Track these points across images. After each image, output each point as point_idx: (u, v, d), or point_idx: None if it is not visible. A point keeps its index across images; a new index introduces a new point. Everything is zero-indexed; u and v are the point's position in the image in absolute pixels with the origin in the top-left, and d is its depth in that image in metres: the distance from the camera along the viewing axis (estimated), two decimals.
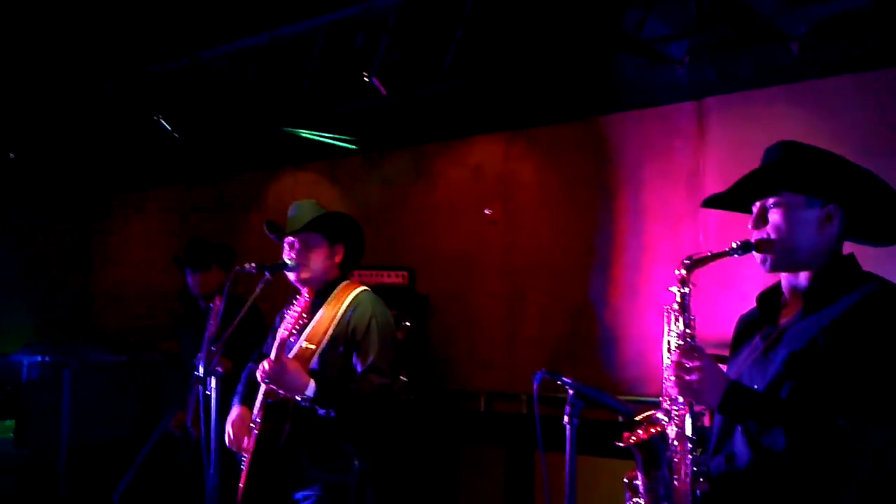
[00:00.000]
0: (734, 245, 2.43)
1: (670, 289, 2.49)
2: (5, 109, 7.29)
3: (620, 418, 2.61)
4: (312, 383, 3.40)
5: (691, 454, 2.36)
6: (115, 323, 9.12)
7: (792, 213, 2.40)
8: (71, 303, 9.40)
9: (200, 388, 3.22)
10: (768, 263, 2.44)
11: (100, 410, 6.92)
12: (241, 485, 3.54)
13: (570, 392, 2.61)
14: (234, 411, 3.76)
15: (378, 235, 5.88)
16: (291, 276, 3.70)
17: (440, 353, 6.38)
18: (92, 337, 8.97)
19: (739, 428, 2.40)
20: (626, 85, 5.69)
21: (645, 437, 2.47)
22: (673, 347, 2.45)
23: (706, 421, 4.24)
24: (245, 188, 8.17)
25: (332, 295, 3.69)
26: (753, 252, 2.44)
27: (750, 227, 2.48)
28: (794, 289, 2.48)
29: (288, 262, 3.69)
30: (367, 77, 5.50)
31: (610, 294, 5.86)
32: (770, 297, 2.56)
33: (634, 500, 2.54)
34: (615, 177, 5.93)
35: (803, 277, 2.45)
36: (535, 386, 2.67)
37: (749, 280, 5.24)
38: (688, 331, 2.45)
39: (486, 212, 6.45)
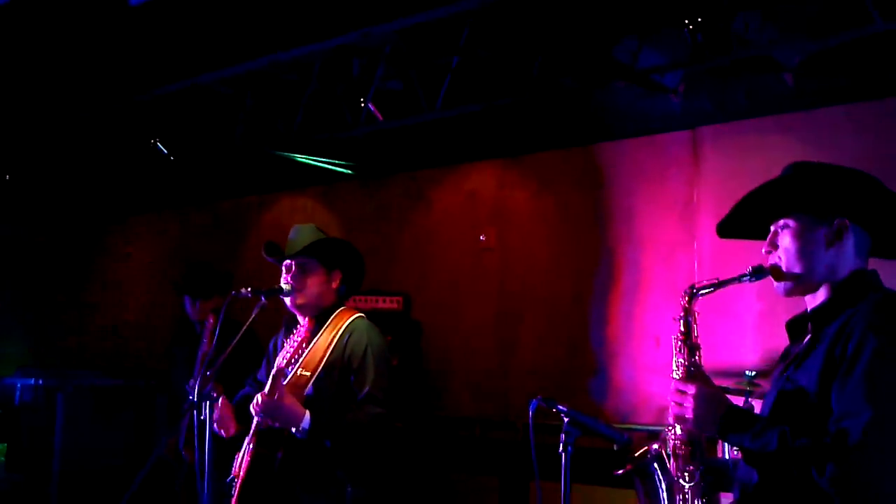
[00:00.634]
0: (749, 270, 2.41)
1: (682, 312, 2.48)
2: (3, 135, 7.30)
3: (615, 447, 2.59)
4: (307, 416, 3.38)
5: (692, 481, 2.36)
6: (110, 347, 9.10)
7: (799, 233, 2.36)
8: (66, 326, 9.38)
9: (194, 412, 3.21)
10: (782, 287, 2.41)
11: (93, 434, 6.88)
12: None
13: (566, 420, 2.58)
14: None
15: (373, 261, 5.89)
16: (287, 300, 3.69)
17: (434, 379, 6.37)
18: (86, 361, 8.94)
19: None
20: (620, 114, 5.73)
21: (641, 461, 2.47)
22: (672, 375, 2.45)
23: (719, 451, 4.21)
24: (241, 213, 8.19)
25: (329, 321, 3.68)
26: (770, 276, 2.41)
27: (763, 251, 2.46)
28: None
29: (284, 286, 3.68)
30: (363, 103, 5.53)
31: (604, 321, 5.87)
32: (800, 321, 2.49)
33: None
34: (609, 205, 5.96)
35: (821, 297, 2.39)
36: (530, 413, 2.64)
37: (746, 309, 5.28)
38: (693, 359, 2.45)
39: (482, 238, 6.47)
